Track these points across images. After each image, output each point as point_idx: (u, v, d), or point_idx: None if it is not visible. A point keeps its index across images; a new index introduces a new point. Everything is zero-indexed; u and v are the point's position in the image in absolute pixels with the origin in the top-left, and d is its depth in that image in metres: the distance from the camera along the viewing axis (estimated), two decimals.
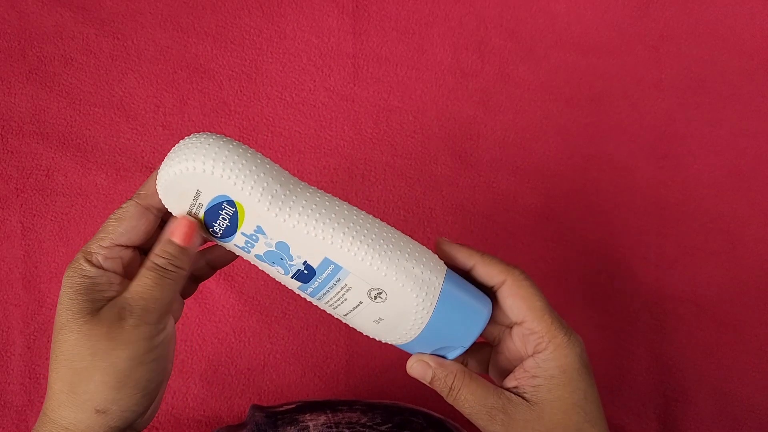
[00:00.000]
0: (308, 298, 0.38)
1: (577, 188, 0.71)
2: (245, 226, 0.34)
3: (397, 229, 0.38)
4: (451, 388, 0.37)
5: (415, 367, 0.38)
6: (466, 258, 0.38)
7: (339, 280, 0.35)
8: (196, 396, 0.64)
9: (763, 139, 0.72)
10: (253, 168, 0.33)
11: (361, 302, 0.36)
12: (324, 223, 0.34)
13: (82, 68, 0.70)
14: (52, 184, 0.67)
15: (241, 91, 0.70)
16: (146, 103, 0.69)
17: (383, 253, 0.35)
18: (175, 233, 0.34)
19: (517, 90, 0.72)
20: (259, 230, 0.34)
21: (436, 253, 0.38)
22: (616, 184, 0.71)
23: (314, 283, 0.36)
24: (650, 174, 0.72)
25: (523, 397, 0.36)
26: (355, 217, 0.35)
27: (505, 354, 0.40)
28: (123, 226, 0.35)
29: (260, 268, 0.37)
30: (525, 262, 0.70)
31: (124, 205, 0.35)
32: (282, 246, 0.34)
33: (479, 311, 0.38)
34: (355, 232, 0.34)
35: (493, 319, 0.39)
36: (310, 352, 0.66)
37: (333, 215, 0.34)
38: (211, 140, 0.33)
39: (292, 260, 0.35)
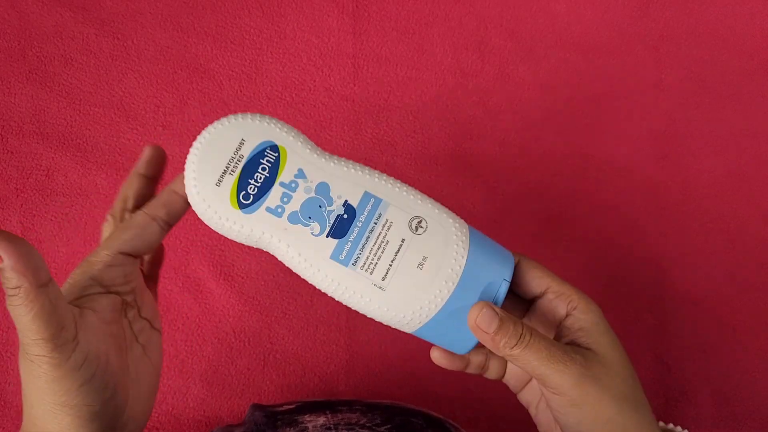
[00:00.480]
0: (338, 272, 0.36)
1: (577, 188, 0.71)
2: (285, 173, 0.36)
3: None
4: (521, 335, 0.34)
5: (483, 314, 0.34)
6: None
7: (380, 216, 0.36)
8: (196, 396, 0.64)
9: (763, 139, 0.72)
10: (291, 126, 0.38)
11: (403, 240, 0.36)
12: (359, 165, 0.37)
13: (82, 68, 0.70)
14: (52, 184, 0.67)
15: (241, 91, 0.70)
16: (146, 103, 0.69)
17: (414, 189, 0.38)
18: None
19: (517, 90, 0.72)
20: (300, 174, 0.36)
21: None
22: (616, 184, 0.71)
23: (353, 232, 0.36)
24: (650, 174, 0.72)
25: (579, 346, 0.36)
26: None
27: None
28: (128, 234, 0.35)
29: (283, 246, 0.36)
30: None
31: (133, 214, 0.36)
32: (322, 188, 0.36)
33: (505, 249, 0.39)
34: (385, 174, 0.38)
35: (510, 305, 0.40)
36: (310, 352, 0.66)
37: (363, 164, 0.38)
38: (251, 112, 0.38)
39: (332, 204, 0.36)
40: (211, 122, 0.37)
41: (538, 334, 0.35)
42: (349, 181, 0.36)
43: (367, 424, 0.45)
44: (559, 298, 0.38)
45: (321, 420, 0.45)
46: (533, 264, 0.39)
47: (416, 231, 0.36)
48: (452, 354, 0.38)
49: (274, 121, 0.37)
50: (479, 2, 0.73)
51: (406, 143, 0.70)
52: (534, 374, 0.35)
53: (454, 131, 0.71)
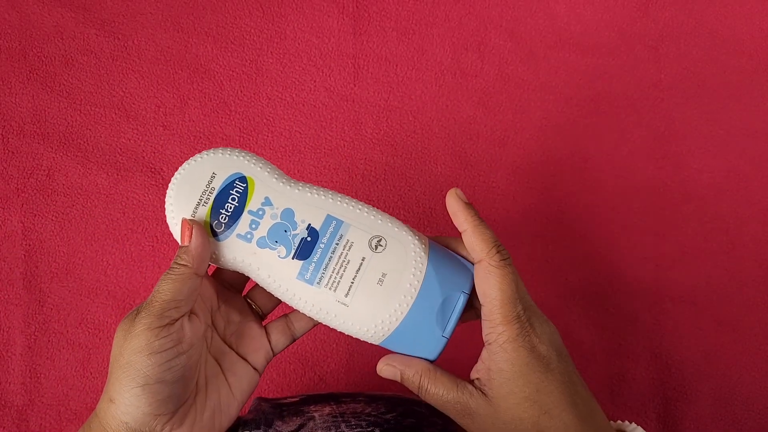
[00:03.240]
0: (304, 291, 0.38)
1: (577, 188, 0.71)
2: (253, 202, 0.39)
3: None
4: (419, 386, 0.38)
5: (384, 370, 0.39)
6: (463, 219, 0.39)
7: (341, 237, 0.38)
8: None
9: (763, 139, 0.72)
10: (260, 157, 0.41)
11: (363, 258, 0.38)
12: (323, 189, 0.40)
13: (83, 68, 0.70)
14: (53, 184, 0.67)
15: (241, 92, 0.70)
16: (147, 103, 0.69)
17: (375, 209, 0.40)
18: (181, 236, 0.38)
19: (517, 90, 0.72)
20: (267, 202, 0.39)
21: (445, 199, 0.40)
22: (616, 184, 0.71)
23: (316, 253, 0.38)
24: (650, 174, 0.72)
25: (482, 391, 0.37)
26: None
27: None
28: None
29: (254, 269, 0.39)
30: (525, 262, 0.70)
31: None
32: (287, 213, 0.39)
33: (465, 261, 0.40)
34: (348, 197, 0.41)
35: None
36: (310, 350, 0.66)
37: (327, 188, 0.41)
38: (223, 147, 0.41)
39: (296, 228, 0.38)
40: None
41: (435, 383, 0.37)
42: (313, 206, 0.39)
43: (373, 413, 0.45)
44: (486, 322, 0.37)
45: (327, 410, 0.46)
46: (486, 273, 0.38)
47: (376, 249, 0.38)
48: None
49: (243, 154, 0.40)
50: (479, 2, 0.74)
51: (406, 143, 0.71)
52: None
53: (454, 131, 0.71)
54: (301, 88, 0.71)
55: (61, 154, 0.68)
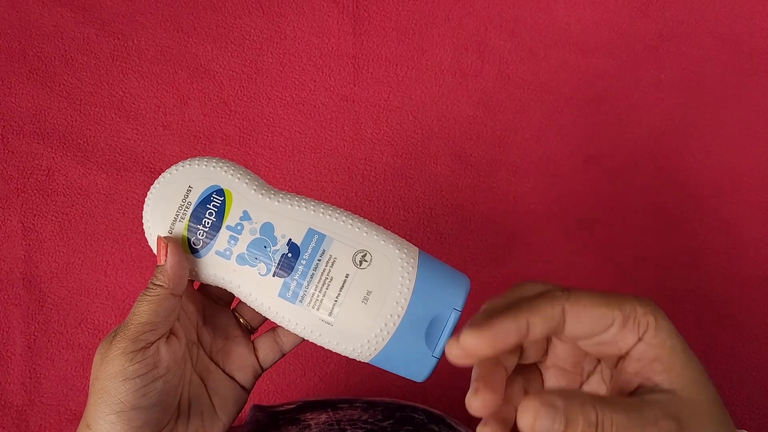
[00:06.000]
0: (287, 310, 0.37)
1: (577, 188, 0.71)
2: (231, 216, 0.37)
3: (396, 231, 0.38)
4: (597, 423, 0.26)
5: (542, 416, 0.25)
6: (547, 312, 0.28)
7: (324, 252, 0.37)
8: None
9: (763, 139, 0.72)
10: (239, 166, 0.39)
11: (347, 275, 0.36)
12: (305, 200, 0.38)
13: (83, 68, 0.70)
14: (53, 184, 0.67)
15: (241, 91, 0.70)
16: (147, 103, 0.69)
17: (361, 219, 0.38)
18: (157, 255, 0.37)
19: (517, 90, 0.72)
20: (245, 216, 0.37)
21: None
22: (616, 184, 0.71)
23: (298, 270, 0.36)
24: (650, 174, 0.72)
25: (659, 391, 0.28)
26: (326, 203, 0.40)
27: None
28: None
29: (236, 287, 0.37)
30: (525, 263, 0.70)
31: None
32: (267, 228, 0.37)
33: (459, 273, 0.39)
34: (332, 206, 0.39)
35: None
36: (310, 351, 0.66)
37: (310, 198, 0.39)
38: (200, 156, 0.39)
39: (276, 244, 0.37)
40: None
41: (614, 408, 0.26)
42: (293, 219, 0.37)
43: (369, 420, 0.45)
44: (625, 326, 0.29)
45: (323, 417, 0.45)
46: (583, 298, 0.29)
47: (360, 265, 0.37)
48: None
49: (221, 164, 0.38)
50: (479, 2, 0.74)
51: (406, 143, 0.71)
52: None
53: (454, 131, 0.71)
54: (301, 88, 0.71)
55: (61, 154, 0.68)
